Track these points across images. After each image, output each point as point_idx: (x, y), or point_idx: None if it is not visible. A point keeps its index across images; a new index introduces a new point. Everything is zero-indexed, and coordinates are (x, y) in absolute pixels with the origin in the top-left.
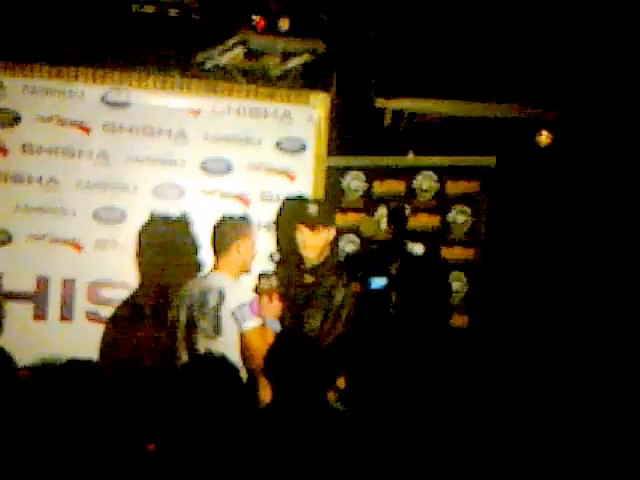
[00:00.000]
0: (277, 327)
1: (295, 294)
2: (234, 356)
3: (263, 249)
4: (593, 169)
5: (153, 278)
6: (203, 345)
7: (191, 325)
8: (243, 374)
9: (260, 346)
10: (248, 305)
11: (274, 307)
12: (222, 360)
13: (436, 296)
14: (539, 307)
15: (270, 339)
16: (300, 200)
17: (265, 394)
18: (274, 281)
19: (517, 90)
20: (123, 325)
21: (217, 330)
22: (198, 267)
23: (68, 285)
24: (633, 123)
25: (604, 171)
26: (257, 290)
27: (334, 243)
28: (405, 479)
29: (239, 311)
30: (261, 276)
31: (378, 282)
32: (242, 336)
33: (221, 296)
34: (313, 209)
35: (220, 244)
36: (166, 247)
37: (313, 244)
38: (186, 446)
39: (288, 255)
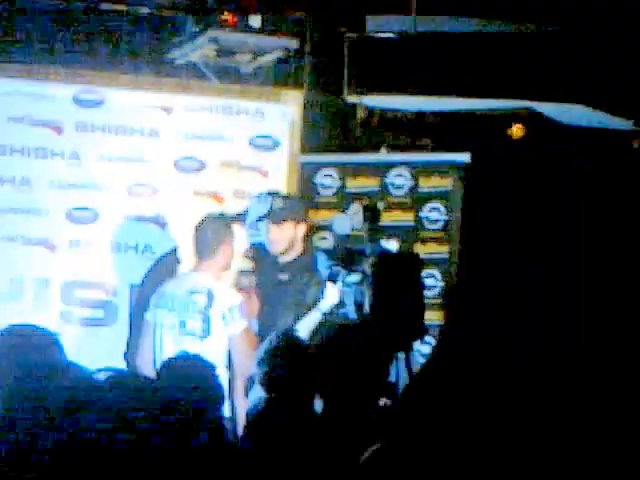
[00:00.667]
0: (255, 327)
1: (269, 291)
2: (222, 358)
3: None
4: (569, 161)
5: (128, 278)
6: (190, 347)
7: (178, 327)
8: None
9: (247, 348)
10: (238, 307)
11: (252, 305)
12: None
13: (410, 292)
14: (516, 302)
15: (253, 340)
16: (267, 195)
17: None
18: (252, 279)
19: (489, 84)
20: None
21: (205, 332)
22: (175, 267)
23: (42, 286)
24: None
25: (580, 163)
26: (237, 287)
27: (307, 239)
28: None
29: (230, 314)
30: (240, 273)
31: (352, 279)
32: (231, 338)
33: (210, 297)
34: (277, 204)
35: (206, 247)
36: (141, 247)
37: (277, 238)
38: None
39: (259, 252)
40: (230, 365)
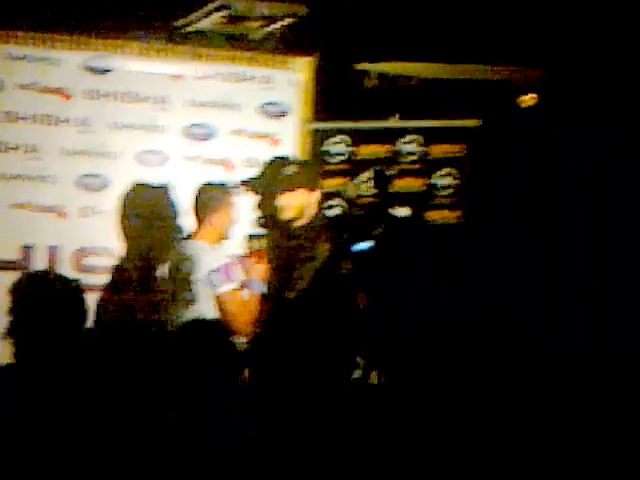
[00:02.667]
0: (261, 288)
1: (279, 257)
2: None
3: (247, 214)
4: (578, 130)
5: (137, 245)
6: (182, 314)
7: (170, 293)
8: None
9: (234, 308)
10: (220, 270)
11: (261, 268)
12: (215, 324)
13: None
14: (523, 268)
15: (252, 300)
16: (280, 161)
17: None
18: (263, 242)
19: (501, 51)
20: (110, 293)
21: (193, 297)
22: (181, 234)
23: (52, 253)
24: (618, 81)
25: (589, 131)
26: (247, 251)
27: (319, 206)
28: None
29: (211, 276)
30: (251, 237)
31: (363, 245)
32: (217, 300)
33: (196, 264)
34: (290, 170)
35: (200, 213)
36: (149, 214)
37: (290, 204)
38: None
39: (271, 219)
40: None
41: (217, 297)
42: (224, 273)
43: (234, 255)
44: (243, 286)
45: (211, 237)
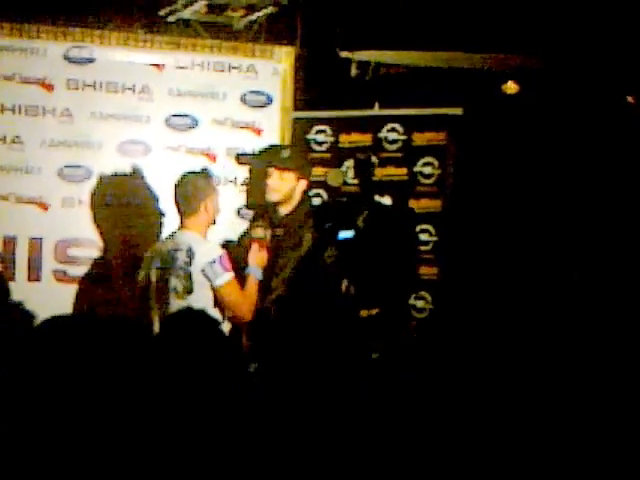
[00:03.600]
0: (260, 275)
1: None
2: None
3: (231, 203)
4: (560, 117)
5: (115, 237)
6: (174, 304)
7: (161, 285)
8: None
9: (236, 297)
10: (218, 261)
11: (262, 256)
12: (202, 314)
13: (404, 247)
14: (507, 257)
15: (252, 287)
16: (274, 147)
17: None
18: (266, 230)
19: (484, 38)
20: (93, 285)
21: (188, 289)
22: (163, 225)
23: (35, 244)
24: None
25: (571, 118)
26: (249, 238)
27: (305, 195)
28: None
29: (210, 268)
30: (254, 224)
31: (345, 234)
32: (216, 291)
33: (190, 254)
34: (285, 153)
35: (186, 204)
36: (126, 202)
37: (277, 186)
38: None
39: (258, 208)
40: (222, 317)
41: (217, 288)
42: (221, 264)
43: (224, 244)
44: (243, 273)
45: (200, 227)
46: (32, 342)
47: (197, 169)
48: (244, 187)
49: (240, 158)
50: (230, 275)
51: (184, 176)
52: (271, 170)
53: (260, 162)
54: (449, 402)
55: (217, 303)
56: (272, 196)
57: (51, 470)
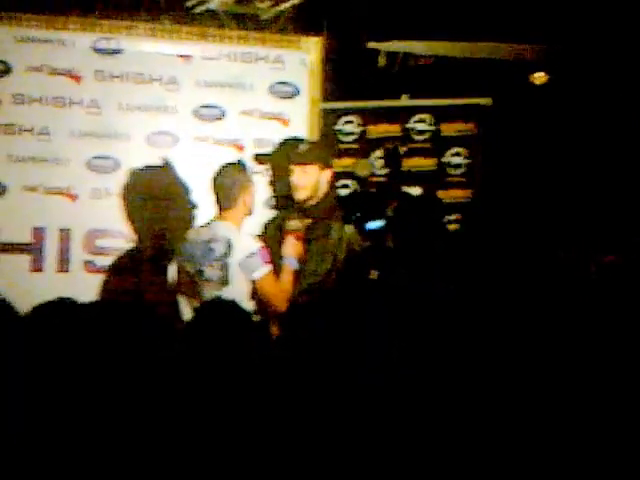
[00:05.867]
0: (296, 265)
1: None
2: (243, 305)
3: (260, 194)
4: (589, 107)
5: (146, 226)
6: (209, 295)
7: (196, 275)
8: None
9: (274, 289)
10: (257, 254)
11: (299, 247)
12: (234, 305)
13: (433, 238)
14: (536, 246)
15: (288, 277)
16: (292, 140)
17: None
18: (301, 222)
19: (513, 28)
20: (123, 274)
21: (224, 280)
22: (193, 215)
23: (64, 235)
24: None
25: (600, 109)
26: (285, 230)
27: (331, 185)
28: None
29: (249, 260)
30: (289, 217)
31: (374, 224)
32: (254, 283)
33: (229, 246)
34: (303, 147)
35: (225, 197)
36: (157, 195)
37: (302, 183)
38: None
39: (284, 200)
40: (260, 310)
41: (256, 281)
42: (260, 257)
43: (259, 236)
44: (278, 263)
45: (237, 218)
46: (64, 330)
47: (235, 161)
48: (269, 182)
49: (259, 158)
50: (269, 268)
51: (223, 168)
52: (292, 167)
53: (279, 158)
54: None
55: (253, 295)
56: (300, 194)
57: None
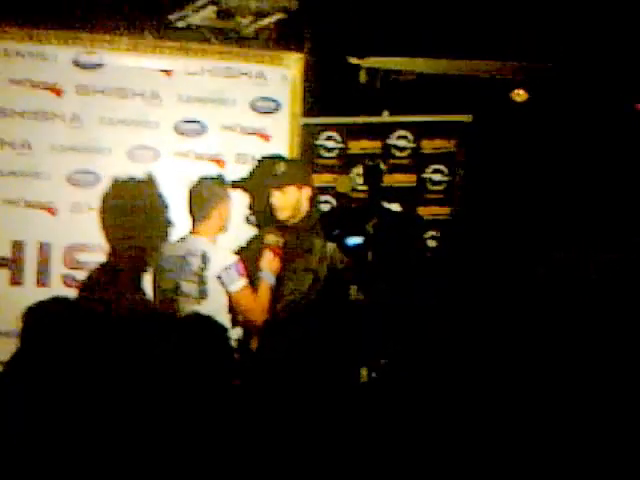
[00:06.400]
0: (272, 279)
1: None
2: (221, 319)
3: (239, 210)
4: (569, 124)
5: (124, 241)
6: (187, 309)
7: (173, 290)
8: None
9: (250, 303)
10: (233, 267)
11: (275, 261)
12: (210, 320)
13: (412, 254)
14: (515, 264)
15: (265, 292)
16: (269, 160)
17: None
18: (280, 237)
19: (492, 46)
20: (97, 289)
21: (202, 294)
22: (170, 229)
23: (44, 250)
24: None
25: (580, 126)
26: (263, 244)
27: (312, 202)
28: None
29: (226, 274)
30: (268, 231)
31: (354, 240)
32: (230, 296)
33: (205, 260)
34: (279, 169)
35: (200, 209)
36: (134, 209)
37: (283, 204)
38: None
39: (263, 216)
40: (235, 322)
41: (232, 293)
42: (237, 270)
43: (236, 249)
44: (254, 278)
45: (211, 232)
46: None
47: (213, 175)
48: (249, 201)
49: (234, 184)
50: (245, 281)
51: (200, 181)
52: (271, 190)
53: (258, 178)
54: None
55: (230, 308)
56: (281, 214)
57: None
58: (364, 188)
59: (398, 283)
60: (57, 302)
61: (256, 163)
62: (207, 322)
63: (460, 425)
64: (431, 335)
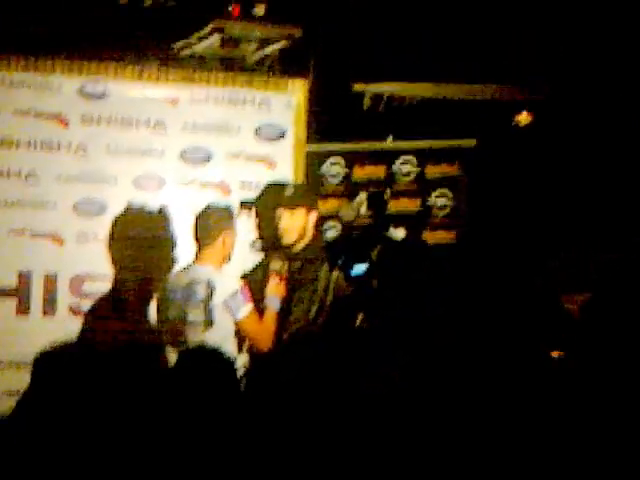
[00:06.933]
0: (278, 305)
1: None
2: (228, 346)
3: (244, 236)
4: (573, 147)
5: (130, 271)
6: (194, 338)
7: (179, 319)
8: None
9: (256, 328)
10: (239, 293)
11: (280, 287)
12: (216, 351)
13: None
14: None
15: (271, 318)
16: (278, 184)
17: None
18: (284, 262)
19: (495, 70)
20: (103, 318)
21: (209, 322)
22: (176, 259)
23: (50, 279)
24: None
25: (584, 149)
26: (266, 270)
27: (317, 228)
28: None
29: (232, 300)
30: (272, 256)
31: (359, 268)
32: (237, 323)
33: (210, 287)
34: (290, 191)
35: (205, 236)
36: (143, 239)
37: (291, 226)
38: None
39: (270, 242)
40: (241, 349)
41: (239, 321)
42: (242, 296)
43: (241, 276)
44: (259, 305)
45: (216, 260)
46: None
47: (220, 203)
48: (255, 226)
49: (244, 205)
50: (251, 306)
51: (207, 208)
52: (280, 211)
53: (265, 203)
54: None
55: (237, 334)
56: (288, 238)
57: None
58: (369, 214)
59: (405, 296)
60: (63, 347)
61: (265, 186)
62: (213, 353)
63: (470, 433)
64: (439, 346)
